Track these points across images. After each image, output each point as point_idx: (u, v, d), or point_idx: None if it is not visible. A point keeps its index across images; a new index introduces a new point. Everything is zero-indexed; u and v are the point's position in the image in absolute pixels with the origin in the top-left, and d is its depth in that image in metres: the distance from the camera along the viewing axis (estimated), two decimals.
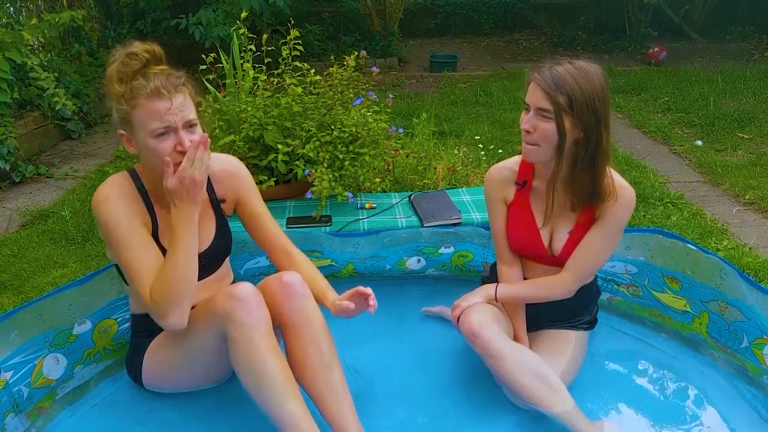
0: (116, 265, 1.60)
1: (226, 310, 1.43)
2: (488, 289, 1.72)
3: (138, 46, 1.41)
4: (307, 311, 1.53)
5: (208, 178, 1.62)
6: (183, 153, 1.40)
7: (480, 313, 1.63)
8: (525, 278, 1.79)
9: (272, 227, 1.74)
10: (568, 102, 1.44)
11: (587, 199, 1.57)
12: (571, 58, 1.52)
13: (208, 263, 1.65)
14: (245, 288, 1.46)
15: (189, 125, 1.42)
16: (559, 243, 1.66)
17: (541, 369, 1.57)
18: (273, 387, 1.40)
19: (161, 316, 1.43)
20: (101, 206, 1.45)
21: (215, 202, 1.66)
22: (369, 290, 1.54)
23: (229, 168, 1.68)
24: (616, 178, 1.58)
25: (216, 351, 1.50)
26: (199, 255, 1.61)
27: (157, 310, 1.43)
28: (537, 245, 1.69)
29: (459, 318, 1.66)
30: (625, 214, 1.59)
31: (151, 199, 1.55)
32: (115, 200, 1.46)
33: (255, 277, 2.17)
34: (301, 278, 1.57)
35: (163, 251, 1.55)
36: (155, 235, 1.54)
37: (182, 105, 1.40)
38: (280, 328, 1.56)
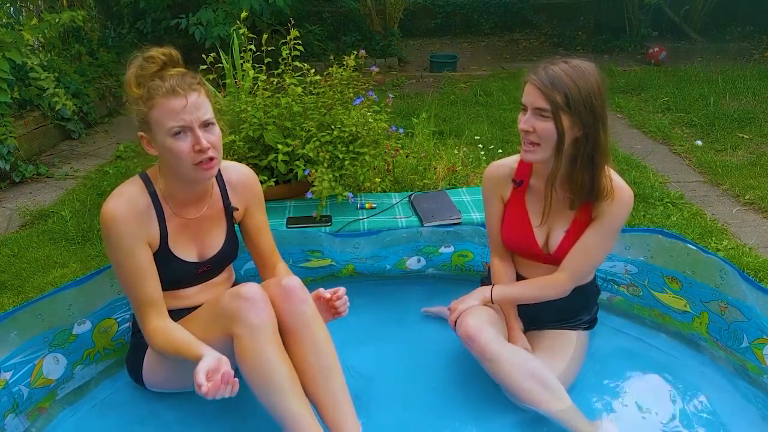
0: None
1: (233, 310, 1.44)
2: (484, 291, 1.72)
3: (155, 50, 1.44)
4: (307, 316, 1.53)
5: (225, 185, 1.66)
6: (201, 152, 1.42)
7: (476, 317, 1.63)
8: (521, 276, 1.79)
9: (269, 242, 1.77)
10: (565, 100, 1.44)
11: (585, 197, 1.57)
12: (566, 57, 1.52)
13: (215, 267, 1.68)
14: (252, 288, 1.47)
15: (206, 125, 1.44)
16: (555, 241, 1.66)
17: (539, 371, 1.57)
18: (279, 387, 1.41)
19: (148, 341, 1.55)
20: (105, 224, 1.46)
21: (228, 209, 1.68)
22: (328, 294, 1.61)
23: (246, 181, 1.71)
24: (614, 178, 1.58)
25: (219, 350, 1.49)
26: (207, 259, 1.63)
27: (149, 342, 1.54)
28: (530, 244, 1.69)
29: (456, 321, 1.66)
30: (623, 215, 1.59)
31: (163, 207, 1.55)
32: (119, 223, 1.46)
33: (255, 277, 2.16)
34: (300, 282, 1.58)
35: (173, 258, 1.56)
36: (164, 243, 1.55)
37: (197, 103, 1.41)
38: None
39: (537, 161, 1.57)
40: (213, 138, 1.44)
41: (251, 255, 1.80)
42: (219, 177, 1.66)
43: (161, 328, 1.50)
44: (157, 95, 1.39)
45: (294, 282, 1.56)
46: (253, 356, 1.41)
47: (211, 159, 1.44)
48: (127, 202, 1.48)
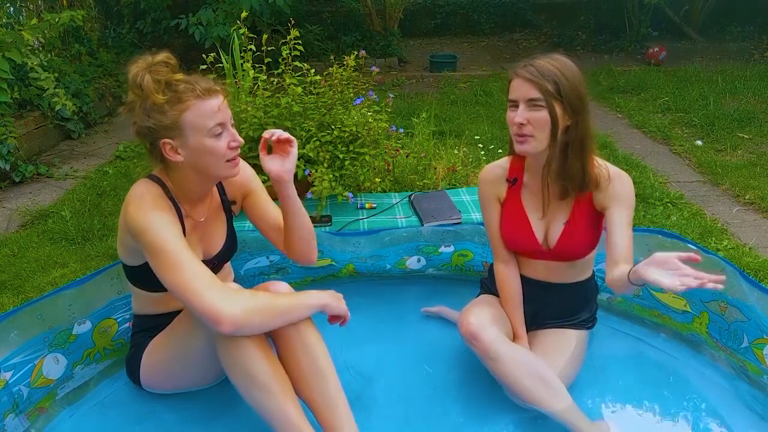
0: (123, 265, 1.60)
1: None
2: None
3: (163, 56, 1.40)
4: None
5: (221, 181, 1.65)
6: (237, 148, 1.45)
7: (479, 315, 1.63)
8: (522, 275, 1.79)
9: (276, 210, 1.71)
10: (556, 88, 1.46)
11: (579, 186, 1.58)
12: (542, 53, 1.54)
13: (219, 263, 1.68)
14: (231, 287, 1.44)
15: (233, 121, 1.48)
16: (555, 235, 1.66)
17: (541, 370, 1.57)
18: (262, 385, 1.38)
19: (230, 324, 1.31)
20: (146, 215, 1.38)
21: (226, 204, 1.68)
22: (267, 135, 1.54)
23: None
24: (609, 166, 1.60)
25: (211, 351, 1.48)
26: (213, 257, 1.63)
27: (234, 319, 1.31)
28: (530, 240, 1.69)
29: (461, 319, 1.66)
30: (632, 190, 1.60)
31: (180, 208, 1.53)
32: (154, 211, 1.40)
33: (255, 277, 2.17)
34: (288, 286, 1.56)
35: None
36: None
37: (225, 103, 1.44)
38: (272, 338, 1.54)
39: (532, 152, 1.55)
40: (239, 139, 1.48)
41: (266, 232, 1.72)
42: None
43: (243, 294, 1.38)
44: (190, 98, 1.37)
45: (281, 287, 1.55)
46: (234, 353, 1.39)
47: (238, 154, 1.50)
48: (151, 193, 1.45)
